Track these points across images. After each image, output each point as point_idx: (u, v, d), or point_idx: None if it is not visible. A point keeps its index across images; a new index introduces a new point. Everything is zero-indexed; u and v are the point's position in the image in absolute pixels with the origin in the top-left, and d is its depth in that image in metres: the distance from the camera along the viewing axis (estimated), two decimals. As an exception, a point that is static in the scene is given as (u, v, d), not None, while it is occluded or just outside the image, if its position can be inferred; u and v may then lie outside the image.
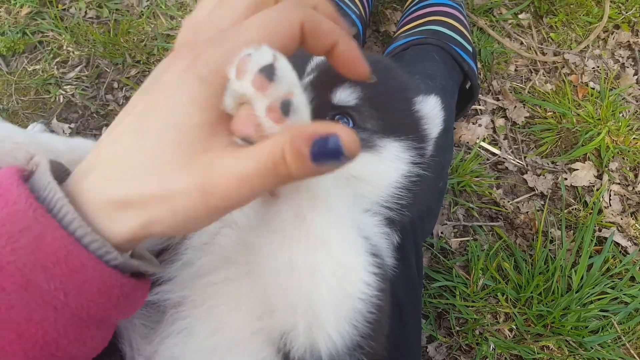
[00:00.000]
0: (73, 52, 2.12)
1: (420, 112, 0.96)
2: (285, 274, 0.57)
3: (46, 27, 2.14)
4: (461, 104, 1.95)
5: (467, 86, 1.95)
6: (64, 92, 2.05)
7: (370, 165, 0.85)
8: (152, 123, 0.51)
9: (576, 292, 1.80)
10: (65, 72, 2.10)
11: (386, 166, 0.86)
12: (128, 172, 0.51)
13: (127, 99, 2.05)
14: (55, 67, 2.10)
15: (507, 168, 2.05)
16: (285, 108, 0.45)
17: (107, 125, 2.00)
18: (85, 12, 2.19)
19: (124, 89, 2.08)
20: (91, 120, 2.03)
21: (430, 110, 0.96)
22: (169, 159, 0.50)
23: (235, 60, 0.47)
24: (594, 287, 1.82)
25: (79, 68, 2.11)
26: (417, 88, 1.00)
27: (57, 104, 2.04)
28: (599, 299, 1.81)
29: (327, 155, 0.43)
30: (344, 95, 0.83)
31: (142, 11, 2.20)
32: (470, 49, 1.91)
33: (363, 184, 0.85)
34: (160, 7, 2.19)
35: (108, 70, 2.09)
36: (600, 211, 1.97)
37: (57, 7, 2.17)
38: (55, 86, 2.06)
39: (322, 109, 0.84)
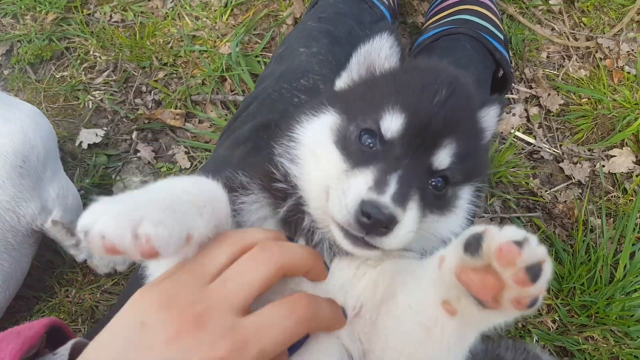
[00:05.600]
0: (100, 57, 2.12)
1: (486, 139, 0.95)
2: None
3: (72, 32, 2.14)
4: (494, 93, 1.91)
5: (500, 75, 1.91)
6: (92, 98, 2.06)
7: (451, 227, 0.85)
8: None
9: (620, 281, 1.76)
10: (93, 77, 2.10)
11: (460, 221, 0.86)
12: None
13: (156, 102, 2.05)
14: (83, 72, 2.10)
15: (542, 157, 2.01)
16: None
17: (137, 129, 2.00)
18: (110, 16, 2.19)
19: (152, 92, 2.07)
20: (121, 124, 2.03)
21: (489, 123, 0.95)
22: None
23: (496, 242, 0.54)
24: (637, 276, 1.78)
25: (106, 73, 2.11)
26: (482, 98, 0.96)
27: (87, 110, 2.04)
28: (643, 288, 1.78)
29: None
30: (442, 157, 0.79)
31: (166, 13, 2.19)
32: (501, 37, 1.87)
33: (438, 241, 0.85)
34: (185, 7, 2.18)
35: (135, 74, 2.09)
36: (640, 198, 1.93)
37: (82, 12, 2.17)
38: (84, 92, 2.06)
39: (425, 176, 0.79)
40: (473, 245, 0.56)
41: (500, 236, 0.55)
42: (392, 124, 0.78)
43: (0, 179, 1.34)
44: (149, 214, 0.57)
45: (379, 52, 0.92)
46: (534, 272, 0.53)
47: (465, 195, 0.86)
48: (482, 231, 0.57)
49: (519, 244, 0.53)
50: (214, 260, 0.66)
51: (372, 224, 0.69)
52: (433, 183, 0.79)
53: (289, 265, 0.67)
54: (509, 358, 1.20)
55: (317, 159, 0.84)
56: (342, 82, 0.98)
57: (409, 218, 0.72)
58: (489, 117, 0.92)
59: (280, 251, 0.67)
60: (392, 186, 0.71)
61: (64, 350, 0.64)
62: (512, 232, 0.55)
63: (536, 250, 0.54)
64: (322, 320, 0.68)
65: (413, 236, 0.74)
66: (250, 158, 1.30)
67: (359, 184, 0.73)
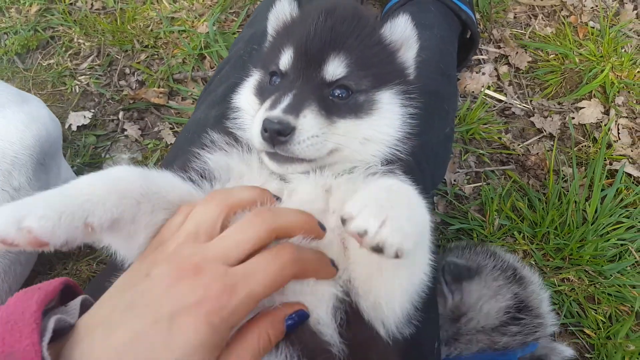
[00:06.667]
0: (84, 44, 2.20)
1: (394, 45, 0.96)
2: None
3: (56, 22, 2.22)
4: (463, 53, 1.99)
5: (468, 36, 1.99)
6: (79, 83, 2.14)
7: (376, 126, 0.91)
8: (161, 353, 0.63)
9: (592, 224, 1.84)
10: (78, 63, 2.19)
11: (388, 120, 0.92)
12: None
13: (139, 82, 2.14)
14: (69, 59, 2.19)
15: (514, 113, 2.09)
16: None
17: (123, 109, 2.08)
18: (92, 4, 2.28)
19: (135, 73, 2.16)
20: (107, 106, 2.11)
21: (402, 34, 0.96)
22: None
23: None
24: (609, 217, 1.85)
25: (90, 58, 2.19)
26: (376, 17, 1.00)
27: (74, 95, 2.13)
28: (614, 229, 1.85)
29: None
30: (333, 68, 0.88)
31: (145, -2, 2.27)
32: (466, -3, 1.94)
33: (376, 144, 0.93)
34: (162, -9, 2.27)
35: (119, 58, 2.17)
36: (610, 145, 2.00)
37: (64, 2, 2.26)
38: (70, 78, 2.15)
39: (319, 89, 0.88)
40: None
41: None
42: (285, 58, 0.91)
43: (28, 176, 1.38)
44: (34, 210, 0.67)
45: (284, 11, 1.03)
46: None
47: (387, 99, 0.92)
48: None
49: None
50: (206, 219, 0.76)
51: (270, 135, 0.81)
52: (337, 93, 0.88)
53: (280, 229, 0.76)
54: (489, 265, 1.29)
55: (249, 114, 0.96)
56: (265, 46, 1.11)
57: (305, 123, 0.83)
58: (397, 28, 0.95)
59: (272, 217, 0.75)
60: (284, 102, 0.84)
61: (75, 304, 0.73)
62: None
63: None
64: (307, 265, 0.75)
65: (321, 140, 0.84)
66: (224, 119, 1.39)
67: (261, 111, 0.86)
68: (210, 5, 2.23)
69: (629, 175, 1.95)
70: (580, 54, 2.12)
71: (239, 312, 0.67)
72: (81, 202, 0.71)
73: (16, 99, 1.42)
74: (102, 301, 0.71)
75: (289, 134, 0.81)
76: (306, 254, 0.75)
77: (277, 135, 0.81)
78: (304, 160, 0.87)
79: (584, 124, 2.06)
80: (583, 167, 1.99)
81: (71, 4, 2.28)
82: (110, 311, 0.67)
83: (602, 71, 2.08)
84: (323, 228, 0.81)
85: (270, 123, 0.81)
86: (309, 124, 0.83)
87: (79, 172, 1.95)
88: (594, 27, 2.19)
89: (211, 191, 0.87)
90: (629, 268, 1.80)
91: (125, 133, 2.05)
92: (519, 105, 2.09)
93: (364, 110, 0.90)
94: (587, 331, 1.74)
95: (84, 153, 2.00)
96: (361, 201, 0.68)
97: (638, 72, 2.10)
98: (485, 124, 2.03)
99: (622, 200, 1.90)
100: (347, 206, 0.67)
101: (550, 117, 2.07)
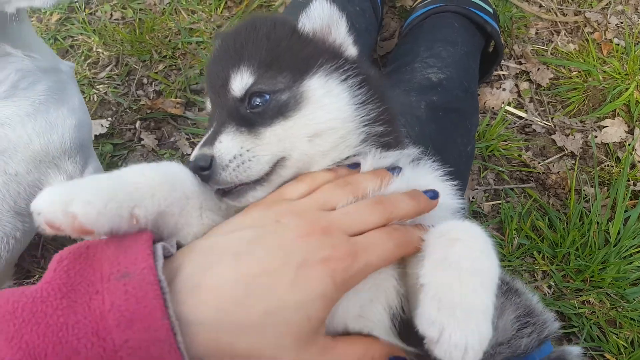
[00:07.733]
0: (103, 53, 2.21)
1: (310, 32, 0.90)
2: None
3: (75, 31, 2.24)
4: (485, 67, 1.96)
5: (491, 50, 1.96)
6: (97, 92, 2.15)
7: (314, 118, 0.83)
8: (273, 297, 0.66)
9: (614, 246, 1.79)
10: (97, 72, 2.20)
11: (327, 107, 0.84)
12: (238, 331, 0.64)
13: (157, 92, 2.14)
14: (87, 68, 2.20)
15: (534, 130, 2.05)
16: None
17: (140, 119, 2.08)
18: (111, 14, 2.29)
19: (153, 83, 2.16)
20: (125, 115, 2.11)
21: (322, 16, 0.90)
22: (284, 342, 0.65)
23: None
24: (633, 239, 1.81)
25: (109, 67, 2.20)
26: (290, 18, 0.94)
27: (92, 103, 2.13)
28: (638, 252, 1.80)
29: None
30: (237, 82, 0.84)
31: (164, 8, 2.28)
32: (490, 10, 1.92)
33: (328, 135, 0.85)
34: (181, 2, 2.27)
35: (137, 67, 2.18)
36: (634, 166, 1.96)
37: (84, 11, 2.27)
38: (89, 86, 2.16)
39: (235, 109, 0.84)
40: None
41: None
42: (208, 99, 0.93)
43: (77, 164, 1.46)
44: (81, 195, 0.64)
45: None
46: None
47: (318, 84, 0.84)
48: None
49: None
50: (337, 199, 0.79)
51: (197, 175, 0.79)
52: (255, 103, 0.83)
53: (396, 218, 0.79)
54: None
55: None
56: None
57: (222, 147, 0.79)
58: (314, 12, 0.90)
59: (392, 207, 0.79)
60: (203, 140, 0.83)
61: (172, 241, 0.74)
62: None
63: None
64: (413, 244, 0.78)
65: (250, 157, 0.80)
66: None
67: None
68: (228, 17, 2.23)
69: (654, 196, 1.91)
70: (604, 72, 2.08)
71: (357, 277, 0.71)
72: (130, 190, 0.68)
73: (61, 96, 1.43)
74: (218, 230, 0.75)
75: (209, 166, 0.78)
76: (413, 235, 0.79)
77: (201, 171, 0.78)
78: (249, 183, 0.81)
79: (607, 143, 2.02)
80: (605, 187, 1.95)
81: (91, 13, 2.29)
82: (237, 242, 0.70)
83: (626, 89, 2.04)
84: (435, 197, 0.83)
85: (191, 164, 0.79)
86: (226, 147, 0.79)
87: (95, 181, 1.95)
88: (618, 44, 2.15)
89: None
90: (653, 293, 1.75)
91: (142, 142, 2.05)
92: (539, 123, 2.05)
93: (291, 108, 0.82)
94: (607, 356, 1.69)
95: (101, 161, 2.00)
96: (433, 307, 0.66)
97: (663, 90, 2.05)
98: (505, 141, 2.00)
99: (646, 222, 1.85)
100: (420, 319, 0.66)
101: (572, 135, 2.03)
